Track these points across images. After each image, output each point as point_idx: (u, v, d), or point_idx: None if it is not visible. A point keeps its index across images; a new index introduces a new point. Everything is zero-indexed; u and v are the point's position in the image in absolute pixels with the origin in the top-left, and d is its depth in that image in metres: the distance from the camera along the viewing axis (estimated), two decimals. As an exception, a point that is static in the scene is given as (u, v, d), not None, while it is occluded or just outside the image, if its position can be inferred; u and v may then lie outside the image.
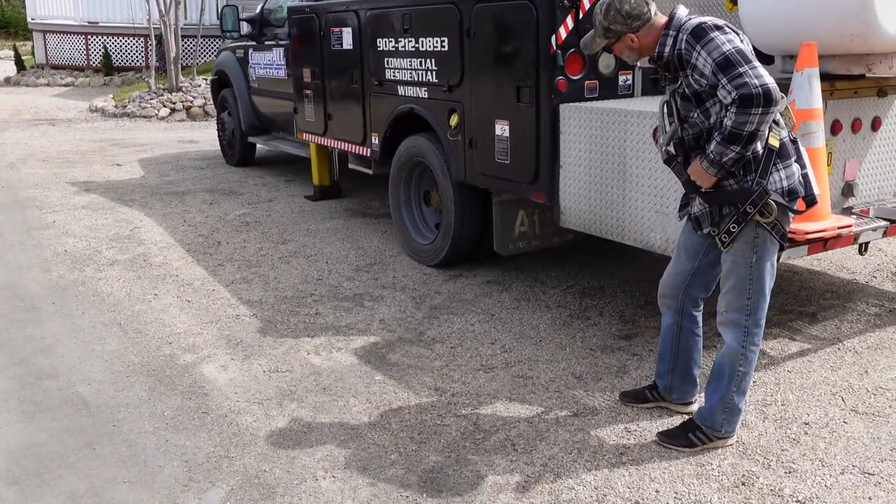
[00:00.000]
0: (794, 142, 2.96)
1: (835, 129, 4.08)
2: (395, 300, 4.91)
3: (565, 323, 4.50)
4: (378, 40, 5.62)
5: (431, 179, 5.45)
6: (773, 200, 2.84)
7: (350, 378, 3.87)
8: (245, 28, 8.75)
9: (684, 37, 2.83)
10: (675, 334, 3.35)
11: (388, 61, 5.55)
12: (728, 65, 2.71)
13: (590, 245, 5.32)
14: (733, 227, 2.90)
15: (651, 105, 3.85)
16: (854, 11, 3.61)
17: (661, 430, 3.29)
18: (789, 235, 3.56)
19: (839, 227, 3.68)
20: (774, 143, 2.83)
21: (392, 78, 5.53)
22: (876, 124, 4.25)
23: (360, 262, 5.67)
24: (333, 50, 6.21)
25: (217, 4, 23.15)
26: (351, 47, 5.98)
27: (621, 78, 4.31)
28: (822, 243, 3.66)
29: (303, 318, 4.66)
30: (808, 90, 3.58)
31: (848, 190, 4.24)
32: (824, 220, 3.66)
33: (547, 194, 4.32)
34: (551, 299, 4.86)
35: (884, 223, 3.99)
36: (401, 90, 5.46)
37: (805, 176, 2.93)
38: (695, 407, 3.40)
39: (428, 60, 5.12)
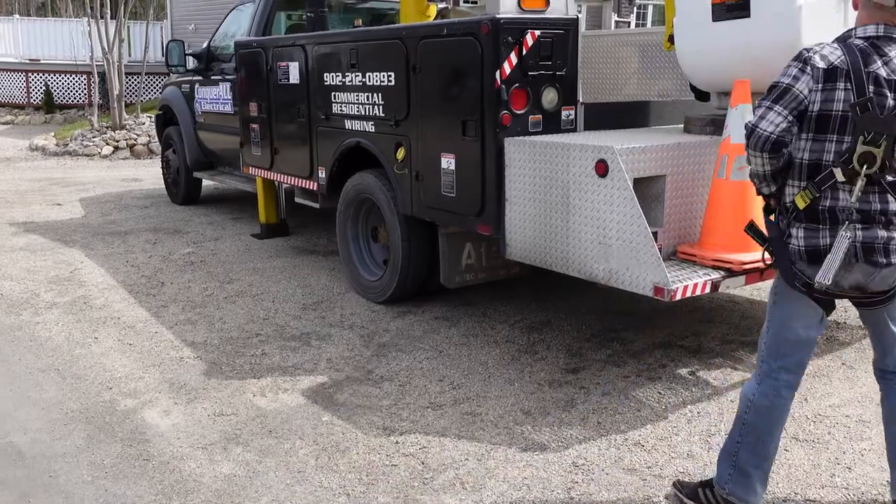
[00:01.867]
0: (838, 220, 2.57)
1: (770, 162, 4.19)
2: (343, 338, 4.86)
3: (513, 358, 4.50)
4: (325, 75, 5.63)
5: (379, 215, 5.44)
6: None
7: (297, 420, 3.80)
8: (191, 63, 8.69)
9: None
10: None
11: (335, 95, 5.55)
12: (767, 91, 2.64)
13: (537, 277, 5.36)
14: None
15: (592, 139, 3.92)
16: (784, 50, 3.72)
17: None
18: (724, 265, 3.66)
19: (776, 258, 3.77)
20: (800, 203, 2.61)
21: (339, 112, 5.54)
22: (809, 157, 4.39)
23: (307, 301, 5.60)
24: (280, 84, 6.19)
25: (161, 41, 22.98)
26: (298, 82, 5.97)
27: (564, 113, 4.38)
28: (758, 273, 3.73)
29: (248, 359, 4.57)
30: (742, 125, 3.68)
31: (784, 221, 4.34)
32: (758, 251, 3.74)
33: (493, 227, 4.35)
34: (499, 334, 4.87)
35: (819, 253, 4.09)
36: (348, 124, 5.46)
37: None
38: None
39: (375, 95, 5.14)
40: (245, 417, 3.83)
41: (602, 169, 3.66)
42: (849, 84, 2.51)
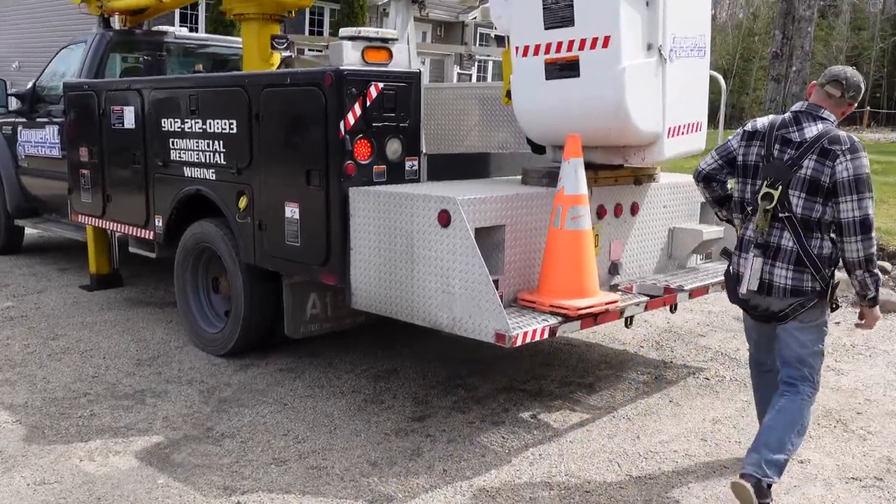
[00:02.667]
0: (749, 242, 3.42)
1: (600, 213, 4.46)
2: (181, 395, 4.63)
3: (360, 408, 4.45)
4: (163, 120, 5.44)
5: (220, 265, 5.28)
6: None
7: (129, 484, 3.56)
8: (14, 104, 8.14)
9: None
10: None
11: (173, 142, 5.37)
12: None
13: (384, 326, 5.36)
14: None
15: (435, 190, 4.02)
16: (611, 107, 4.01)
17: None
18: (561, 311, 3.83)
19: (606, 303, 3.99)
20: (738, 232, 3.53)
21: (178, 159, 5.36)
22: (634, 209, 4.70)
23: (141, 356, 5.31)
24: (114, 129, 5.92)
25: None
26: (133, 127, 5.73)
27: (408, 163, 4.46)
28: (592, 318, 3.93)
29: (75, 420, 4.25)
30: (575, 178, 3.90)
31: (614, 269, 4.61)
32: (593, 297, 3.95)
33: (338, 276, 4.32)
34: (346, 384, 4.81)
35: (645, 298, 4.37)
36: (187, 171, 5.29)
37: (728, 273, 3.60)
38: None
39: (216, 142, 5.02)
40: (70, 485, 3.55)
41: (445, 219, 3.74)
42: (762, 142, 3.39)
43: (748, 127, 3.50)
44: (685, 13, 4.23)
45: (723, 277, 3.84)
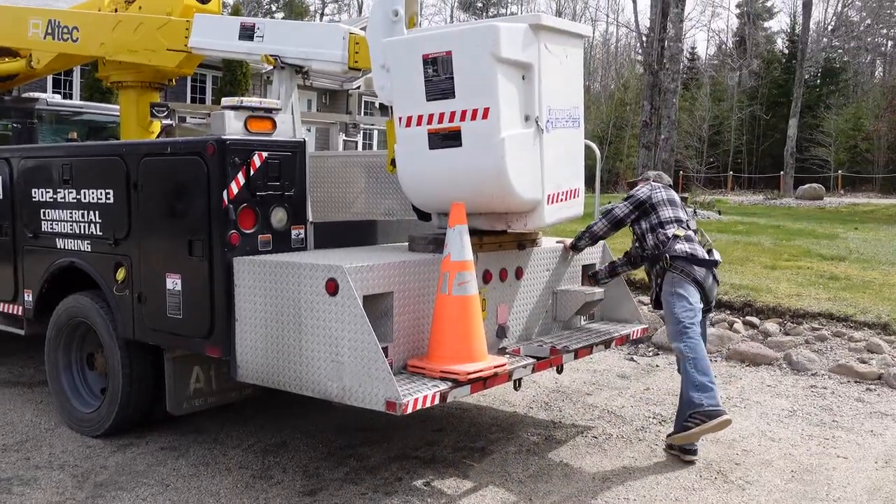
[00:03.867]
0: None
1: (486, 277, 4.55)
2: (52, 481, 4.33)
3: (248, 485, 4.29)
4: (33, 190, 5.21)
5: (95, 340, 5.03)
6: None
7: (-11, 582, 3.28)
8: None
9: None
10: None
11: (44, 213, 5.14)
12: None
13: (272, 398, 5.22)
14: None
15: (322, 258, 4.00)
16: (492, 176, 4.14)
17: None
18: (451, 376, 3.85)
19: (495, 367, 4.05)
20: (680, 233, 4.88)
21: (50, 230, 5.12)
22: (519, 273, 4.83)
23: (7, 441, 4.94)
24: (-22, 200, 5.61)
25: None
26: (1, 196, 5.45)
27: (294, 232, 4.43)
28: (482, 382, 3.97)
29: (-72, 514, 3.90)
30: (460, 244, 3.98)
31: (501, 332, 4.70)
32: (482, 361, 4.00)
33: (222, 348, 4.20)
34: (232, 461, 4.63)
35: (532, 360, 4.46)
36: (60, 243, 5.06)
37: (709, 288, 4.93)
38: None
39: (91, 213, 4.84)
40: (-79, 589, 3.23)
41: (332, 287, 3.73)
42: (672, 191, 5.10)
43: (650, 184, 5.11)
44: (559, 86, 4.45)
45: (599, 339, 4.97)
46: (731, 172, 41.84)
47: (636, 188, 5.13)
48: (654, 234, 4.92)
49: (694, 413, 4.51)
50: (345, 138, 7.45)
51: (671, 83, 18.46)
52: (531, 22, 4.24)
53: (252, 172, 4.18)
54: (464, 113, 4.11)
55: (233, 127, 4.22)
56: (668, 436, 4.81)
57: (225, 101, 4.31)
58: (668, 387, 6.42)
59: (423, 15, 63.14)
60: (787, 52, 50.16)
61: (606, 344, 5.11)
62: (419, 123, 4.26)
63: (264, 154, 4.23)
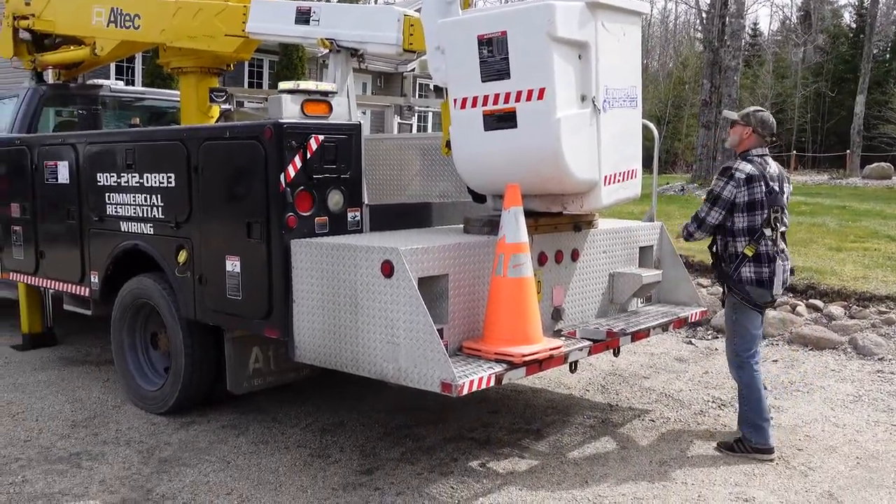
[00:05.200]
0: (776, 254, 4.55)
1: (541, 260, 4.52)
2: (119, 456, 4.48)
3: (306, 463, 4.37)
4: (98, 175, 5.36)
5: (159, 321, 5.16)
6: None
7: (62, 552, 3.41)
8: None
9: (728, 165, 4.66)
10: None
11: (109, 196, 5.29)
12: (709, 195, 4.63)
13: (329, 378, 5.29)
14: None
15: (378, 240, 4.03)
16: (548, 157, 4.10)
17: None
18: (507, 358, 3.84)
19: (551, 349, 4.02)
20: (749, 252, 4.52)
21: (114, 214, 5.26)
22: (575, 255, 4.79)
23: (77, 417, 5.12)
24: (47, 184, 5.80)
25: None
26: (67, 182, 5.63)
27: (350, 214, 4.46)
28: (537, 364, 3.95)
29: (6, 488, 4.07)
30: (515, 226, 3.96)
31: (557, 314, 4.67)
32: (538, 344, 3.98)
33: (281, 330, 4.27)
34: (290, 439, 4.72)
35: (588, 343, 4.43)
36: (124, 226, 5.20)
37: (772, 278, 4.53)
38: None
39: (154, 196, 4.95)
40: (-1, 557, 3.38)
41: (388, 269, 3.75)
42: (759, 184, 4.48)
43: (742, 176, 4.49)
44: (616, 66, 4.37)
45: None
46: (795, 151, 40.65)
47: (733, 165, 4.57)
48: (723, 239, 4.66)
49: (742, 441, 4.61)
50: (399, 121, 7.47)
51: (732, 60, 17.98)
52: (588, 0, 4.16)
53: (309, 156, 4.22)
54: (519, 94, 4.07)
55: (290, 111, 4.25)
56: (718, 444, 4.72)
57: (282, 85, 4.35)
58: (728, 370, 6.29)
59: (478, -5, 62.70)
60: (854, 26, 48.32)
61: (664, 327, 5.03)
62: (474, 105, 4.23)
63: (321, 137, 4.25)
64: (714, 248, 4.78)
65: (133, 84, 17.33)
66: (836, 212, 13.76)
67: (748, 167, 4.51)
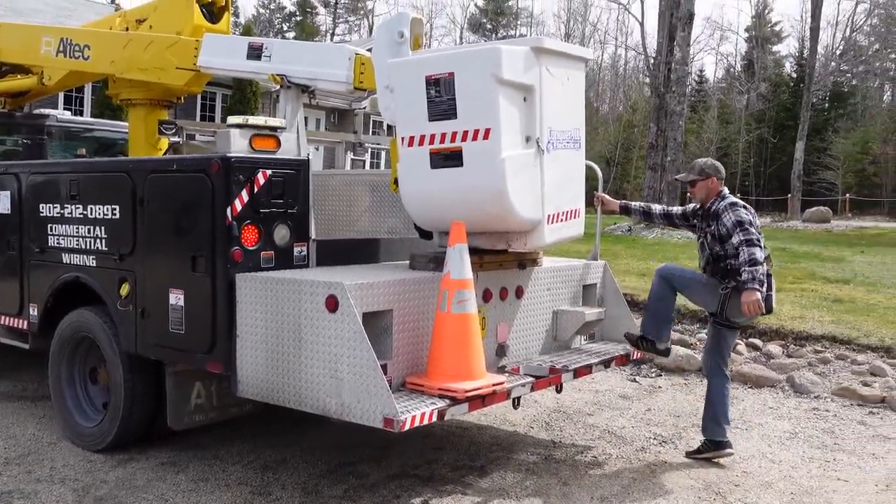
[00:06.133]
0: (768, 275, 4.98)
1: (486, 296, 4.58)
2: (53, 495, 4.36)
3: (247, 501, 4.31)
4: (41, 206, 5.28)
5: (98, 355, 5.07)
6: None
7: (-13, 593, 3.30)
8: None
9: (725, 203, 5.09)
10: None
11: (51, 227, 5.21)
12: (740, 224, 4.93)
13: (273, 414, 5.24)
14: None
15: (323, 275, 4.04)
16: (493, 196, 4.18)
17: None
18: (449, 394, 3.87)
19: (493, 385, 4.07)
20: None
21: (56, 245, 5.19)
22: (519, 292, 4.86)
23: (9, 454, 4.97)
24: (-12, 214, 5.69)
25: None
26: (8, 212, 5.54)
27: (296, 249, 4.47)
28: (480, 400, 3.99)
29: (-71, 525, 3.93)
30: (460, 262, 4.02)
31: (501, 351, 4.72)
32: (481, 379, 4.02)
33: (224, 364, 4.23)
34: (231, 476, 4.65)
35: (531, 379, 4.48)
36: (66, 258, 5.12)
37: (768, 297, 4.96)
38: None
39: (97, 228, 4.90)
40: None
41: (332, 304, 3.77)
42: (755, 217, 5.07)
43: (750, 210, 5.04)
44: (561, 108, 4.51)
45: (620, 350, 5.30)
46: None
47: (726, 201, 5.06)
48: (724, 263, 5.00)
49: (709, 441, 5.18)
50: (353, 157, 7.52)
51: (677, 106, 18.53)
52: (533, 45, 4.30)
53: (256, 190, 4.24)
54: (465, 133, 4.16)
55: (238, 145, 4.28)
56: (687, 453, 5.27)
57: (231, 119, 4.37)
58: (670, 407, 6.42)
59: (434, 36, 63.74)
60: (795, 75, 50.26)
61: (606, 364, 5.12)
62: (421, 143, 4.31)
63: (268, 172, 4.28)
64: (715, 271, 5.08)
65: (82, 114, 17.13)
66: (776, 253, 14.06)
67: (742, 203, 5.08)
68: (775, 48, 56.23)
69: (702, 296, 5.26)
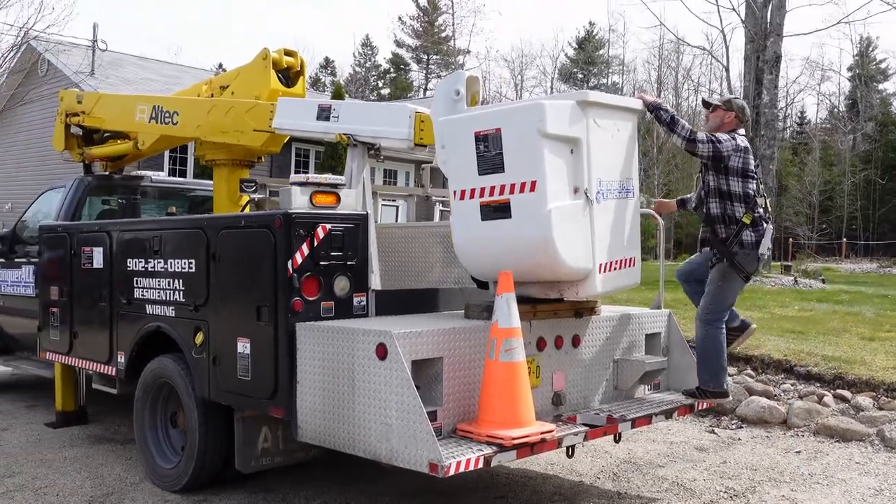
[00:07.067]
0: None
1: (540, 345, 4.63)
2: (128, 531, 4.63)
3: (305, 542, 4.44)
4: (128, 260, 5.70)
5: (178, 400, 5.38)
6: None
7: None
8: (-5, 245, 8.43)
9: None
10: None
11: (137, 280, 5.61)
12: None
13: (339, 458, 5.40)
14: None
15: (376, 324, 4.21)
16: (540, 245, 4.27)
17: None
18: (497, 441, 3.92)
19: (542, 433, 4.09)
20: (747, 220, 4.97)
21: (141, 297, 5.57)
22: (576, 341, 4.89)
23: (95, 493, 5.30)
24: (83, 268, 6.17)
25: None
26: (101, 266, 5.99)
27: (356, 299, 4.66)
28: (528, 448, 4.02)
29: (16, 558, 4.23)
30: (507, 312, 4.10)
31: (557, 399, 4.74)
32: (529, 427, 4.06)
33: (285, 409, 4.43)
34: (295, 518, 4.82)
35: (584, 428, 4.47)
36: (149, 309, 5.49)
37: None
38: None
39: (176, 281, 5.25)
40: None
41: (382, 352, 3.91)
42: (750, 156, 5.05)
43: (742, 143, 5.00)
44: (610, 159, 4.58)
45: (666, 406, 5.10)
46: (846, 239, 40.03)
47: (737, 141, 5.02)
48: (720, 203, 5.03)
49: (700, 389, 5.16)
50: (442, 209, 7.73)
51: (767, 150, 18.07)
52: (579, 98, 4.41)
53: (316, 243, 4.47)
54: (513, 186, 4.29)
55: (298, 201, 4.53)
56: (683, 391, 5.31)
57: (293, 177, 4.65)
58: (747, 460, 6.22)
59: (525, 87, 64.42)
60: (903, 114, 48.14)
61: (668, 414, 5.05)
62: (472, 196, 4.46)
63: (328, 226, 4.51)
64: (713, 213, 5.08)
65: (185, 174, 18.18)
66: (876, 300, 13.51)
67: (742, 139, 5.01)
68: (881, 86, 54.14)
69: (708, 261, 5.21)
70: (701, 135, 4.96)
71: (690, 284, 5.49)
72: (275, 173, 19.31)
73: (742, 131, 5.16)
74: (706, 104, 5.31)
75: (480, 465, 3.83)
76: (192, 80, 21.78)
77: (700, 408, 5.35)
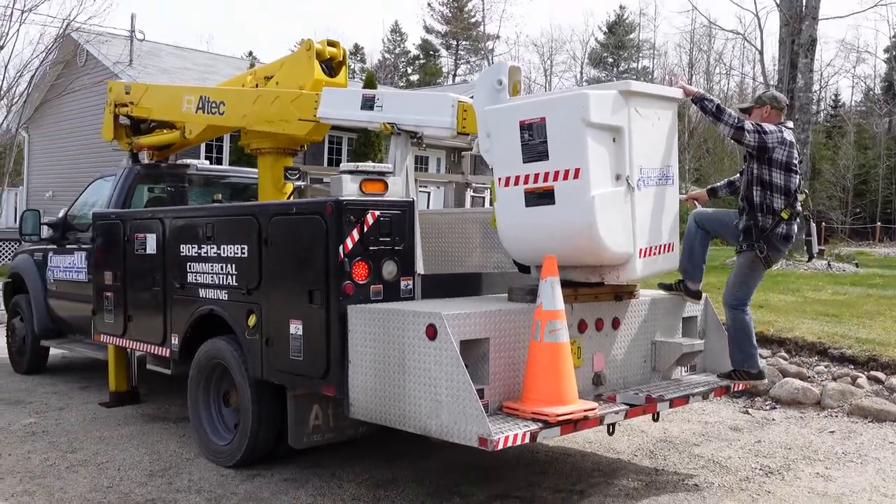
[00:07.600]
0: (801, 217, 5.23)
1: (581, 327, 4.79)
2: (190, 503, 4.88)
3: (357, 514, 4.66)
4: (181, 246, 5.93)
5: (230, 380, 5.61)
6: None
7: (134, 584, 3.78)
8: (46, 232, 8.75)
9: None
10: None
11: (190, 266, 5.84)
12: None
13: (387, 435, 5.61)
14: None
15: (425, 306, 4.39)
16: (583, 231, 4.42)
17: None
18: (542, 418, 4.10)
19: (585, 410, 4.26)
20: (785, 216, 5.08)
21: (194, 281, 5.80)
22: (616, 323, 5.04)
23: (154, 468, 5.57)
24: (137, 254, 6.42)
25: (16, 207, 22.45)
26: (154, 252, 6.23)
27: (403, 283, 4.85)
28: (572, 424, 4.19)
29: (88, 526, 4.50)
30: (552, 295, 4.26)
31: (598, 379, 4.90)
32: (573, 405, 4.23)
33: (337, 388, 4.64)
34: (346, 493, 5.04)
35: (624, 407, 4.63)
36: (202, 293, 5.73)
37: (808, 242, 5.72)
38: None
39: (229, 266, 5.47)
40: (80, 586, 3.76)
41: (432, 332, 4.10)
42: (795, 150, 5.13)
43: (788, 137, 5.08)
44: (651, 147, 4.70)
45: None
46: (880, 223, 39.50)
47: (784, 133, 5.09)
48: (762, 192, 5.08)
49: (737, 371, 5.28)
50: (473, 194, 7.89)
51: (801, 134, 17.95)
52: (621, 88, 4.54)
53: (365, 229, 4.65)
54: (556, 173, 4.43)
55: (349, 189, 4.72)
56: (718, 374, 5.44)
57: (343, 166, 4.84)
58: (782, 440, 6.33)
59: (554, 72, 64.12)
60: (940, 95, 47.24)
61: (704, 395, 5.19)
62: (516, 183, 4.61)
63: (377, 213, 4.69)
64: (756, 202, 5.11)
65: (221, 162, 18.50)
66: (912, 285, 13.44)
67: (789, 133, 5.10)
68: (918, 67, 53.04)
69: (733, 231, 5.30)
70: (748, 124, 5.02)
71: (700, 232, 5.45)
72: (308, 160, 19.57)
73: (790, 124, 5.25)
74: (743, 111, 5.40)
75: (527, 440, 4.01)
76: (225, 68, 22.13)
77: (736, 389, 5.47)
